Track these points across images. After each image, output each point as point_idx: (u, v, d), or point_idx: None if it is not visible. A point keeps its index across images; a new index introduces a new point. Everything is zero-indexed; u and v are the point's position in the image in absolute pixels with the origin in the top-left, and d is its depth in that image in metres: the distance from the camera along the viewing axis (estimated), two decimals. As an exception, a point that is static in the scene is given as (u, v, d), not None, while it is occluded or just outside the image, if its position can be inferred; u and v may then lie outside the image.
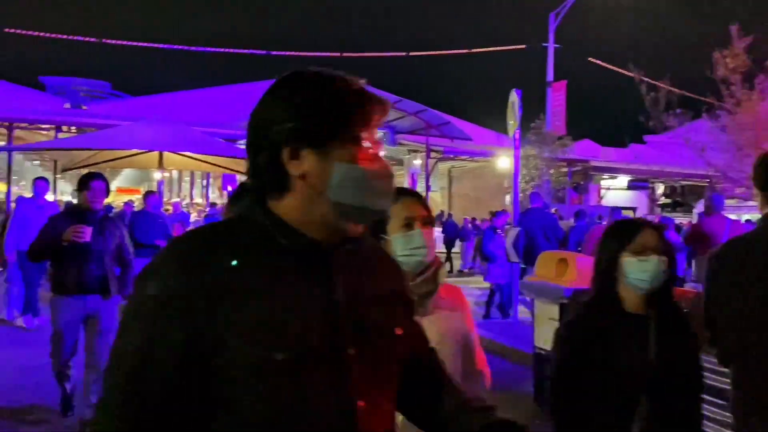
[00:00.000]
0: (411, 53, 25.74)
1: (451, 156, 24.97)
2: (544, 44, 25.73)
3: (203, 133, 16.64)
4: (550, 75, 25.83)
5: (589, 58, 26.49)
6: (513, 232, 8.39)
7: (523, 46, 26.18)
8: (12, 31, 23.98)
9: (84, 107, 24.15)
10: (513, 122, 8.54)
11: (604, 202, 29.18)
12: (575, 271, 5.11)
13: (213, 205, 18.29)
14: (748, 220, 21.34)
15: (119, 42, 22.82)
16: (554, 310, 5.21)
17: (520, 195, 23.58)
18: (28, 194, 20.71)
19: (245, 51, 24.37)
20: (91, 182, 4.40)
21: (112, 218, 4.89)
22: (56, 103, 23.49)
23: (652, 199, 32.71)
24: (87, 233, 4.26)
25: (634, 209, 25.61)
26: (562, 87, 25.87)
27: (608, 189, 30.56)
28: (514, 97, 8.54)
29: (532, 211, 8.62)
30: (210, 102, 23.85)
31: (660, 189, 33.60)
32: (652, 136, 32.28)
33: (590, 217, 11.65)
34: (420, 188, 31.31)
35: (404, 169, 29.50)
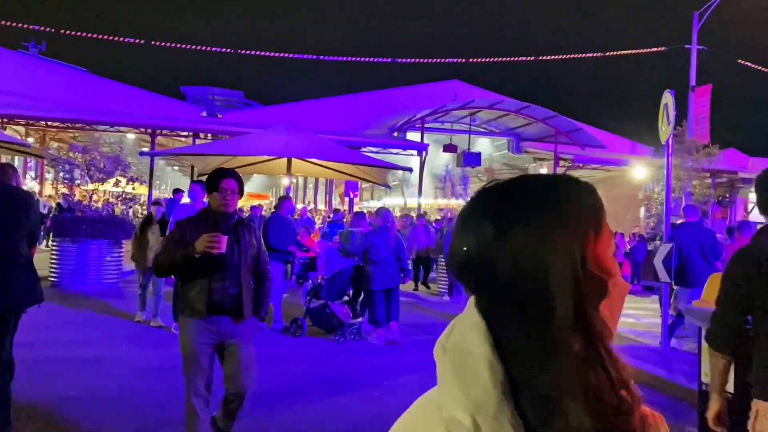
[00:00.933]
0: (541, 57, 24.62)
1: (580, 165, 23.68)
2: (688, 46, 23.85)
3: (329, 140, 16.89)
4: (693, 79, 23.87)
5: (739, 60, 24.16)
6: (664, 249, 7.55)
7: (664, 48, 24.34)
8: (157, 44, 25.73)
9: (219, 116, 25.47)
10: (666, 126, 7.71)
11: (752, 217, 26.53)
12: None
13: (336, 211, 18.46)
14: None
15: (253, 53, 23.73)
16: (729, 342, 4.49)
17: (656, 209, 22.08)
18: (168, 196, 21.80)
19: (370, 60, 24.49)
20: (223, 181, 3.72)
21: (248, 223, 4.01)
22: (194, 112, 24.90)
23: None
24: (223, 243, 3.60)
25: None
26: (707, 92, 23.80)
27: (755, 204, 27.76)
28: (667, 98, 7.70)
29: (687, 225, 7.72)
30: (336, 110, 24.28)
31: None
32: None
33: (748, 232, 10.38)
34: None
35: (529, 178, 28.50)
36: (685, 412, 5.11)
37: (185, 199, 10.33)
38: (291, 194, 20.23)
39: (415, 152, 22.17)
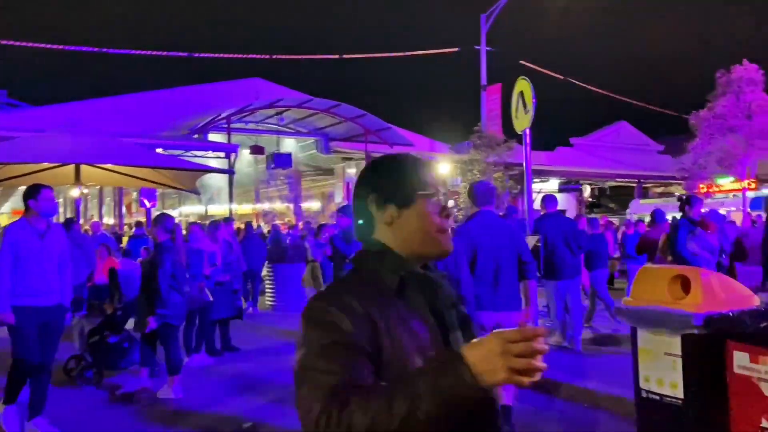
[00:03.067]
0: (345, 55, 24.19)
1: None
2: (477, 47, 25.20)
3: (125, 142, 14.62)
4: (483, 78, 25.30)
5: (521, 61, 26.14)
6: (531, 241, 7.23)
7: (457, 49, 25.46)
8: None
9: (-26, 118, 21.10)
10: (523, 114, 7.42)
11: (535, 206, 29.04)
12: (702, 291, 3.99)
13: (138, 224, 16.10)
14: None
15: (15, 43, 19.92)
16: (673, 344, 4.06)
17: (463, 202, 22.97)
18: None
19: (163, 54, 21.99)
20: None
21: None
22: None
23: (580, 201, 33.04)
24: None
25: (563, 211, 25.56)
26: (497, 90, 25.40)
27: (539, 192, 30.45)
28: (523, 85, 7.42)
29: (549, 216, 7.51)
30: (125, 111, 21.47)
31: (587, 191, 34.00)
32: (578, 138, 32.74)
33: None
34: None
35: (336, 178, 28.07)
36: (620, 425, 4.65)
37: None
38: (81, 207, 17.29)
39: (222, 154, 20.44)
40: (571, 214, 28.54)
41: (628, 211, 27.88)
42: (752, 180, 22.53)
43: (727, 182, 23.21)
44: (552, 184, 30.46)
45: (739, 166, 19.45)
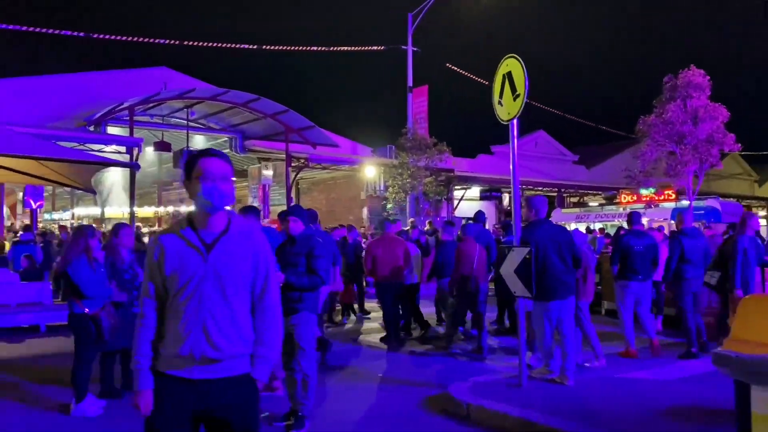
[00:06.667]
0: (265, 46, 22.06)
1: (312, 164, 22.10)
2: (404, 47, 24.11)
3: (5, 129, 12.18)
4: (410, 79, 24.23)
5: (447, 64, 25.33)
6: (519, 254, 5.95)
7: (383, 47, 24.24)
8: None
9: None
10: (511, 101, 6.13)
11: (458, 213, 28.30)
12: None
13: (27, 228, 13.60)
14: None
15: None
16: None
17: (392, 208, 21.66)
18: None
19: (52, 31, 18.90)
20: None
21: None
22: None
23: (499, 209, 32.73)
24: None
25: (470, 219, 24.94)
26: (424, 92, 24.42)
27: (461, 199, 29.77)
28: (511, 65, 6.14)
29: (540, 224, 6.26)
30: (7, 96, 18.59)
31: (506, 199, 33.74)
32: (499, 146, 32.40)
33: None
34: (277, 202, 27.92)
35: (250, 180, 26.02)
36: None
37: None
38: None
39: (123, 149, 18.01)
40: (491, 221, 28.17)
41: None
42: (672, 191, 22.72)
43: (648, 193, 23.30)
44: (474, 191, 29.86)
45: (685, 174, 19.34)
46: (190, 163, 2.61)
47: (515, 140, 6.23)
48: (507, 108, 6.20)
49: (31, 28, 17.81)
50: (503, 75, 6.25)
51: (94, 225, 13.27)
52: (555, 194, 31.83)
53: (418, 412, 5.86)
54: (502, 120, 6.28)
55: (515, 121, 6.17)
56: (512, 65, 6.13)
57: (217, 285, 2.52)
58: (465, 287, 8.43)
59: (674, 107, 18.00)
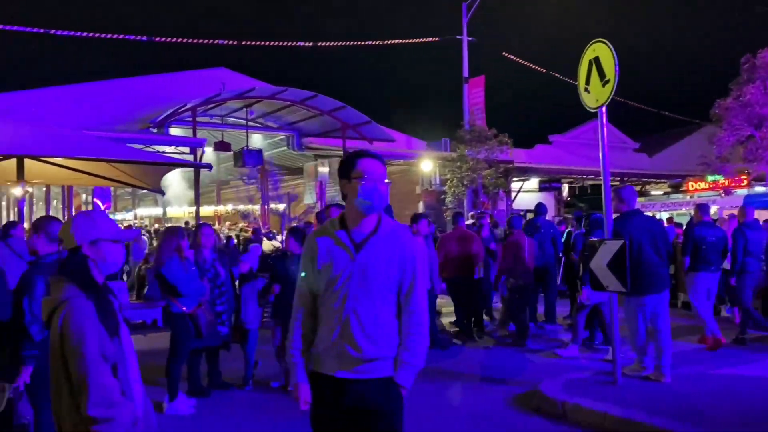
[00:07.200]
0: (320, 43, 22.31)
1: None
2: (459, 36, 23.78)
3: (75, 133, 12.57)
4: (465, 70, 23.89)
5: (504, 53, 24.88)
6: (611, 246, 5.69)
7: (438, 39, 23.97)
8: None
9: None
10: (600, 87, 5.87)
11: (515, 205, 27.82)
12: None
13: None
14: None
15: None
16: None
17: (451, 202, 21.41)
18: None
19: (122, 37, 19.61)
20: None
21: None
22: None
23: (558, 200, 32.04)
24: None
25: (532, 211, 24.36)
26: (480, 83, 24.04)
27: (519, 191, 29.25)
28: (600, 50, 5.88)
29: (633, 215, 6.00)
30: (71, 102, 19.20)
31: (566, 190, 33.03)
32: (557, 136, 31.67)
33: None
34: (333, 200, 28.01)
35: (306, 178, 26.15)
36: None
37: None
38: (25, 210, 15.10)
39: (186, 150, 18.37)
40: (550, 214, 27.56)
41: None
42: (746, 177, 21.72)
43: (718, 179, 22.35)
44: (532, 183, 29.31)
45: (765, 159, 18.42)
46: (348, 163, 2.64)
47: (605, 128, 5.97)
48: (595, 95, 5.94)
49: (95, 34, 18.34)
50: (589, 61, 6.00)
51: (182, 225, 13.54)
52: (617, 183, 30.96)
53: (508, 411, 5.70)
54: (590, 107, 6.03)
55: (604, 108, 5.92)
56: (600, 50, 5.87)
57: (363, 285, 2.51)
58: (521, 281, 8.45)
59: (753, 89, 17.16)
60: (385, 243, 2.57)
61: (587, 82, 6.03)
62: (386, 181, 2.64)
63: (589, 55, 6.01)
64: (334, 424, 2.54)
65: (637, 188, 34.71)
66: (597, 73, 5.89)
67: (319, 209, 23.64)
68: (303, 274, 2.66)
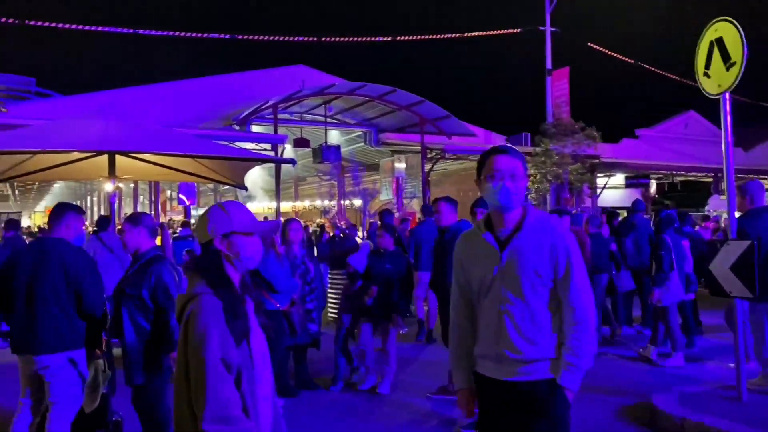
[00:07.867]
0: (399, 38, 22.16)
1: (447, 155, 21.63)
2: (542, 28, 22.98)
3: (162, 128, 12.84)
4: (549, 62, 23.07)
5: (589, 44, 23.85)
6: (736, 248, 5.13)
7: (518, 30, 23.25)
8: None
9: (4, 109, 19.60)
10: (724, 71, 5.30)
11: (600, 202, 26.68)
12: None
13: (186, 224, 14.30)
14: None
15: (46, 24, 18.32)
16: None
17: (534, 199, 20.71)
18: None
19: (203, 35, 20.22)
20: None
21: None
22: (-35, 107, 18.87)
23: (646, 197, 30.54)
24: None
25: (628, 209, 23.17)
26: (565, 75, 23.16)
27: (603, 188, 28.03)
28: (724, 29, 5.31)
29: (763, 212, 5.40)
30: (158, 100, 19.81)
31: (653, 186, 31.42)
32: (644, 129, 30.19)
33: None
34: (409, 195, 27.80)
35: (382, 174, 26.03)
36: None
37: None
38: (116, 205, 15.60)
39: (268, 146, 18.57)
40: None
41: (706, 207, 25.44)
42: None
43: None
44: (618, 179, 28.02)
45: None
46: (482, 161, 2.55)
47: (728, 116, 5.40)
48: (716, 80, 5.37)
49: (183, 33, 18.82)
50: (710, 42, 5.43)
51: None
52: (710, 180, 29.23)
53: (617, 424, 5.25)
54: (710, 94, 5.46)
55: (728, 94, 5.34)
56: (724, 29, 5.30)
57: (512, 284, 2.39)
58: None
59: None
60: (530, 236, 2.42)
61: (707, 66, 5.46)
62: (527, 173, 2.48)
63: (709, 36, 5.44)
64: (498, 426, 2.47)
65: (731, 184, 32.68)
66: (720, 56, 5.32)
67: (396, 205, 23.57)
68: (454, 280, 2.62)
